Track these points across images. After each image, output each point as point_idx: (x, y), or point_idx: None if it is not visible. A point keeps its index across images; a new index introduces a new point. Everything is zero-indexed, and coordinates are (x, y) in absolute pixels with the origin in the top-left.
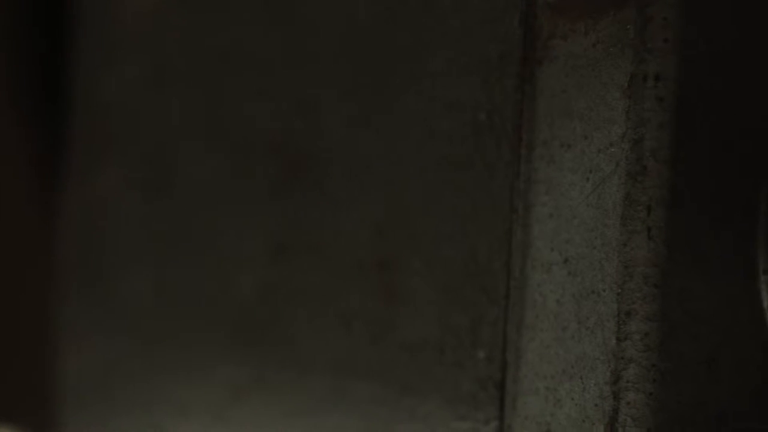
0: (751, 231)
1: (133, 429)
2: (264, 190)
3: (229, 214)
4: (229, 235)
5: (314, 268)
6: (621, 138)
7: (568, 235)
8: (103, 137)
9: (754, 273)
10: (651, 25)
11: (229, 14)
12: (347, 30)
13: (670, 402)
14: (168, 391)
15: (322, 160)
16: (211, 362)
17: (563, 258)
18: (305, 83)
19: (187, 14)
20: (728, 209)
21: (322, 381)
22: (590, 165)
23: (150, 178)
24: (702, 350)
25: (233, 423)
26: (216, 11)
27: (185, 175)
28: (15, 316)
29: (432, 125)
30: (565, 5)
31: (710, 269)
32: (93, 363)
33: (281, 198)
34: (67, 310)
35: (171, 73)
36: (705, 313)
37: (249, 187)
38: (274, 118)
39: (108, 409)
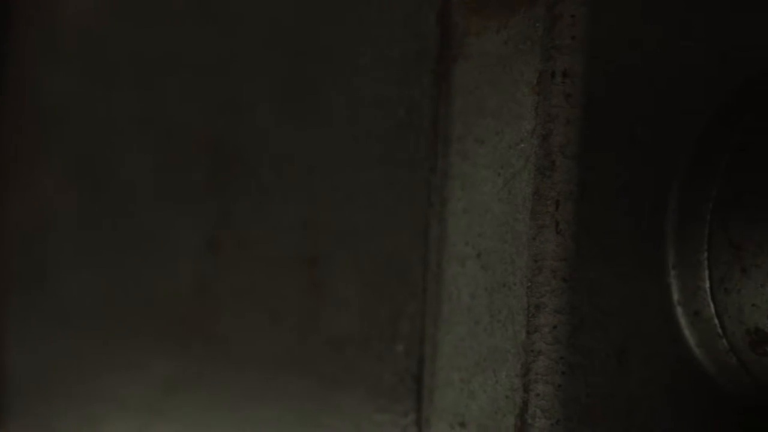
0: (660, 225)
1: (72, 423)
2: (198, 187)
3: (164, 212)
4: (164, 232)
5: (245, 264)
6: (530, 134)
7: (481, 229)
8: (38, 136)
9: (664, 267)
10: (559, 23)
11: (161, 15)
12: (275, 28)
13: (580, 393)
14: (105, 386)
15: (253, 157)
16: (147, 357)
17: (476, 252)
18: (235, 82)
19: (120, 17)
20: (637, 204)
21: (253, 375)
22: (502, 160)
23: (86, 177)
24: (611, 343)
25: (168, 417)
26: (149, 12)
27: (121, 174)
28: None
29: (356, 122)
30: (479, 4)
31: (620, 263)
32: (33, 360)
33: (214, 195)
34: (6, 309)
35: (106, 73)
36: (614, 307)
37: (183, 184)
38: (207, 117)
39: (47, 404)
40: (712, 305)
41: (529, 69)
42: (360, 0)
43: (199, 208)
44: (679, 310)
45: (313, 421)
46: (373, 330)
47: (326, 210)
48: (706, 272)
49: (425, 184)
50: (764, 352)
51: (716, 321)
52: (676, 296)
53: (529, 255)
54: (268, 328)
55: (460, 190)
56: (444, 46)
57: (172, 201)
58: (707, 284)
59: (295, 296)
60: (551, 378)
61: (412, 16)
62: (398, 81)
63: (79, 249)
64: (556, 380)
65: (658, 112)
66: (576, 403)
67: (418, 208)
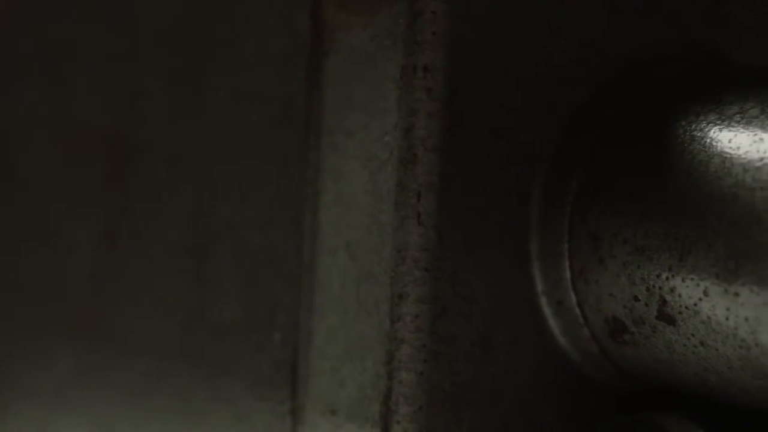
0: (525, 217)
1: None
2: (96, 180)
3: (64, 205)
4: (64, 225)
5: (137, 257)
6: (394, 127)
7: (349, 220)
8: None
9: (528, 258)
10: (420, 19)
11: (59, 9)
12: (169, 23)
13: (443, 381)
14: (12, 375)
15: (148, 150)
16: (49, 347)
17: (346, 243)
18: (132, 76)
19: (19, 9)
20: (501, 195)
21: (145, 365)
22: (368, 153)
23: None
24: (476, 331)
25: (71, 405)
26: (47, 5)
27: (21, 167)
28: None
29: (240, 117)
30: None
31: (484, 253)
32: None
33: (111, 187)
34: None
35: (6, 66)
36: (478, 296)
37: (81, 177)
38: (105, 110)
39: None
40: (573, 295)
41: (393, 64)
42: None
43: (96, 202)
44: (543, 300)
45: (200, 410)
46: (253, 320)
47: (211, 204)
48: (567, 263)
49: (300, 177)
50: (623, 340)
51: (578, 310)
52: (540, 286)
53: (392, 245)
54: (158, 319)
55: (331, 183)
56: (316, 41)
57: (70, 195)
58: (568, 274)
59: (182, 288)
60: (414, 366)
61: (287, 12)
62: (276, 76)
63: None
64: (418, 368)
65: (524, 107)
66: (439, 391)
67: (292, 201)
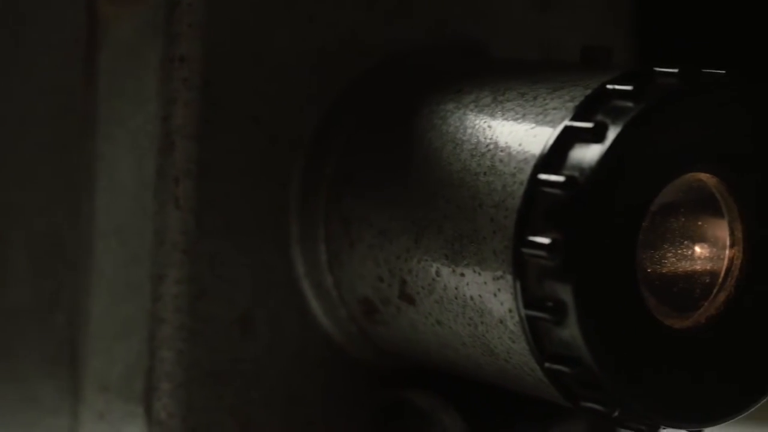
0: (284, 202)
1: None
2: None
3: None
4: None
5: None
6: (155, 116)
7: (119, 206)
8: None
9: (290, 241)
10: (177, 10)
11: None
12: None
13: (203, 359)
14: None
15: None
16: None
17: (116, 227)
18: None
19: None
20: (261, 181)
21: None
22: (135, 141)
23: None
24: (236, 311)
25: None
26: None
27: None
28: None
29: (29, 106)
30: None
31: (243, 237)
32: None
33: None
34: None
35: None
36: (239, 278)
37: None
38: None
39: None
40: (330, 277)
41: (154, 55)
42: None
43: None
44: (305, 282)
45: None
46: (41, 302)
47: (7, 190)
48: (324, 246)
49: (78, 165)
50: (374, 320)
51: (335, 292)
52: (301, 269)
53: (154, 229)
54: None
55: (105, 170)
56: (92, 34)
57: None
58: (325, 257)
59: None
60: (174, 344)
61: (66, 6)
62: (58, 68)
63: None
64: (178, 346)
65: (281, 96)
66: (199, 368)
67: (72, 188)
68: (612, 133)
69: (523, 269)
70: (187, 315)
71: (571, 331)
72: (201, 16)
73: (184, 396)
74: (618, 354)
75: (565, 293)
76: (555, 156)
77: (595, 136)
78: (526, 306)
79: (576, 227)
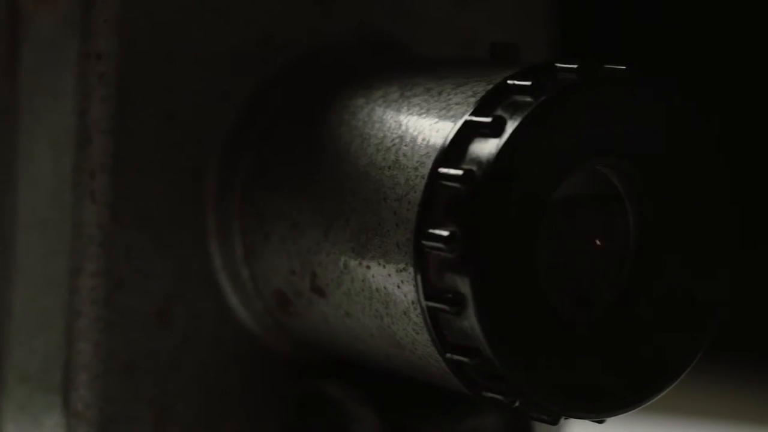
0: (201, 196)
1: None
2: None
3: None
4: None
5: None
6: (73, 111)
7: (39, 200)
8: None
9: (206, 234)
10: (93, 7)
11: None
12: None
13: (120, 350)
14: None
15: None
16: None
17: (37, 221)
18: None
19: None
20: (177, 176)
21: None
22: (54, 136)
23: None
24: (152, 303)
25: None
26: None
27: None
28: None
29: None
30: None
31: (159, 230)
32: None
33: None
34: None
35: None
36: (155, 270)
37: None
38: None
39: None
40: (246, 270)
41: (72, 51)
42: None
43: None
44: (222, 275)
45: None
46: None
47: None
48: (239, 239)
49: (1, 159)
50: (288, 312)
51: (251, 285)
52: (218, 261)
53: (72, 223)
54: None
55: (27, 165)
56: (14, 29)
57: None
58: (241, 250)
59: None
60: (90, 336)
61: None
62: None
63: None
64: (95, 338)
65: (197, 92)
66: (116, 360)
67: None
68: (510, 128)
69: (424, 261)
70: (103, 307)
71: (470, 322)
72: (117, 12)
73: (100, 387)
74: (516, 345)
75: (463, 285)
76: (455, 150)
77: (494, 130)
78: (427, 298)
79: (473, 220)
